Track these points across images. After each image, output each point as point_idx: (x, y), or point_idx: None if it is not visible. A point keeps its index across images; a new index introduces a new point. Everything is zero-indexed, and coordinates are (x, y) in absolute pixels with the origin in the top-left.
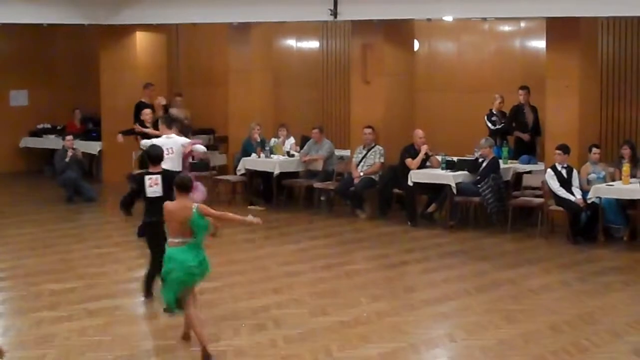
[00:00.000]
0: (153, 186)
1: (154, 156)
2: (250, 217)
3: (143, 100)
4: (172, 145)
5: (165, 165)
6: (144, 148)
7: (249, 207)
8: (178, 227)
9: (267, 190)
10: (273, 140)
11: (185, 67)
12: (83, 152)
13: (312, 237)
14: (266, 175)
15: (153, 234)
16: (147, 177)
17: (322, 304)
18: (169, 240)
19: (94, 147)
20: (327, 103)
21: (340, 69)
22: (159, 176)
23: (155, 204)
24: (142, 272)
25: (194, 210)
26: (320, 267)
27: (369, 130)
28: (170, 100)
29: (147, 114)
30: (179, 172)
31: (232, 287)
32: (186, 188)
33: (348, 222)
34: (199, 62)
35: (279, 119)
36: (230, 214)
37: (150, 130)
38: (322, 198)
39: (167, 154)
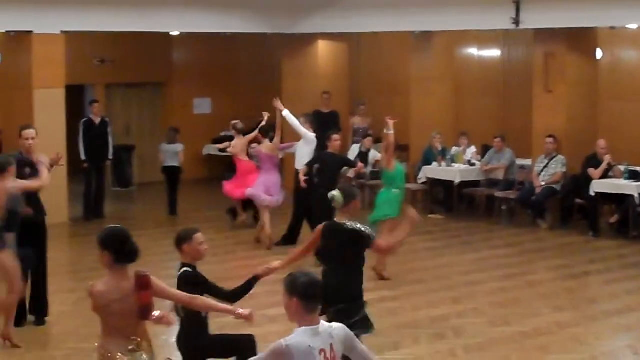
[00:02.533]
0: None
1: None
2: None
3: (320, 109)
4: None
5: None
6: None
7: (429, 215)
8: None
9: (448, 199)
10: (454, 148)
11: (367, 76)
12: None
13: (493, 246)
14: (447, 184)
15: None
16: None
17: (502, 314)
18: None
19: None
20: (508, 112)
21: (521, 77)
22: None
23: None
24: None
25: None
26: (500, 276)
27: (550, 140)
28: (352, 109)
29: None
30: None
31: (412, 295)
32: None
33: (529, 231)
34: (380, 70)
35: (459, 128)
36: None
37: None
38: (503, 207)
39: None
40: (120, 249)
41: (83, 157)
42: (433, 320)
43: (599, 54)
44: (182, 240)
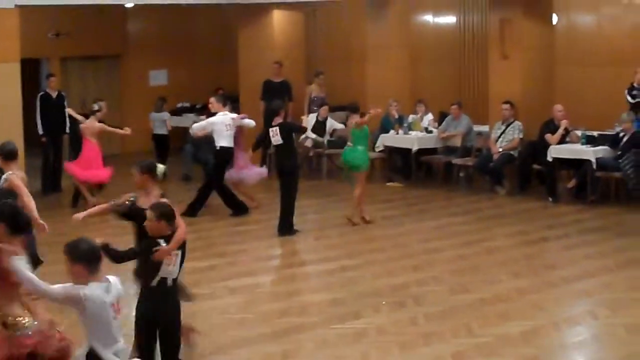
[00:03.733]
0: (274, 137)
1: (274, 110)
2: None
3: (271, 78)
4: (229, 122)
5: (224, 141)
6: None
7: (387, 183)
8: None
9: (406, 167)
10: (411, 116)
11: (323, 45)
12: None
13: (451, 213)
14: (404, 152)
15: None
16: (270, 129)
17: (462, 281)
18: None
19: None
20: (464, 78)
21: (477, 44)
22: (277, 128)
23: (278, 152)
24: (281, 250)
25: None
26: (459, 244)
27: (506, 106)
28: (308, 78)
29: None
30: (232, 148)
31: (372, 264)
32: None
33: (487, 198)
34: (336, 39)
35: (416, 95)
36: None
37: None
38: (461, 174)
39: (227, 130)
40: (15, 221)
41: (40, 131)
42: (393, 288)
43: (554, 19)
44: None
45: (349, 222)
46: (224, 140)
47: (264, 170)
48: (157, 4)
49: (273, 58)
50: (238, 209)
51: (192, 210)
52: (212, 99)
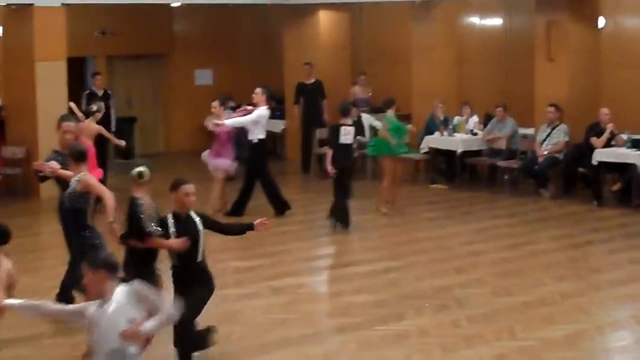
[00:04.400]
0: (347, 135)
1: (345, 109)
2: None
3: (303, 80)
4: (267, 115)
5: (262, 134)
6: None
7: (431, 185)
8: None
9: (450, 169)
10: (456, 118)
11: (368, 45)
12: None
13: (495, 216)
14: (449, 154)
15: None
16: (342, 127)
17: (505, 284)
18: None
19: (277, 125)
20: (510, 81)
21: (523, 46)
22: (352, 128)
23: (345, 151)
24: (324, 251)
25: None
26: (503, 246)
27: (552, 109)
28: (353, 79)
29: None
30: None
31: (415, 266)
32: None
33: (532, 201)
34: (382, 40)
35: (462, 97)
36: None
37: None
38: (506, 177)
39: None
40: None
41: None
42: (436, 290)
43: (601, 22)
44: (170, 188)
45: (385, 210)
46: (262, 133)
47: (233, 164)
48: (203, 3)
49: (318, 58)
50: (281, 207)
51: (237, 209)
52: (257, 90)
